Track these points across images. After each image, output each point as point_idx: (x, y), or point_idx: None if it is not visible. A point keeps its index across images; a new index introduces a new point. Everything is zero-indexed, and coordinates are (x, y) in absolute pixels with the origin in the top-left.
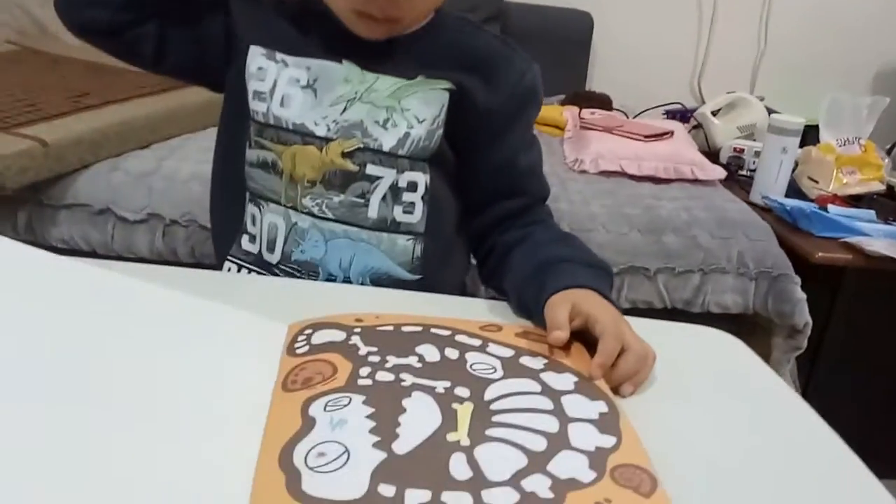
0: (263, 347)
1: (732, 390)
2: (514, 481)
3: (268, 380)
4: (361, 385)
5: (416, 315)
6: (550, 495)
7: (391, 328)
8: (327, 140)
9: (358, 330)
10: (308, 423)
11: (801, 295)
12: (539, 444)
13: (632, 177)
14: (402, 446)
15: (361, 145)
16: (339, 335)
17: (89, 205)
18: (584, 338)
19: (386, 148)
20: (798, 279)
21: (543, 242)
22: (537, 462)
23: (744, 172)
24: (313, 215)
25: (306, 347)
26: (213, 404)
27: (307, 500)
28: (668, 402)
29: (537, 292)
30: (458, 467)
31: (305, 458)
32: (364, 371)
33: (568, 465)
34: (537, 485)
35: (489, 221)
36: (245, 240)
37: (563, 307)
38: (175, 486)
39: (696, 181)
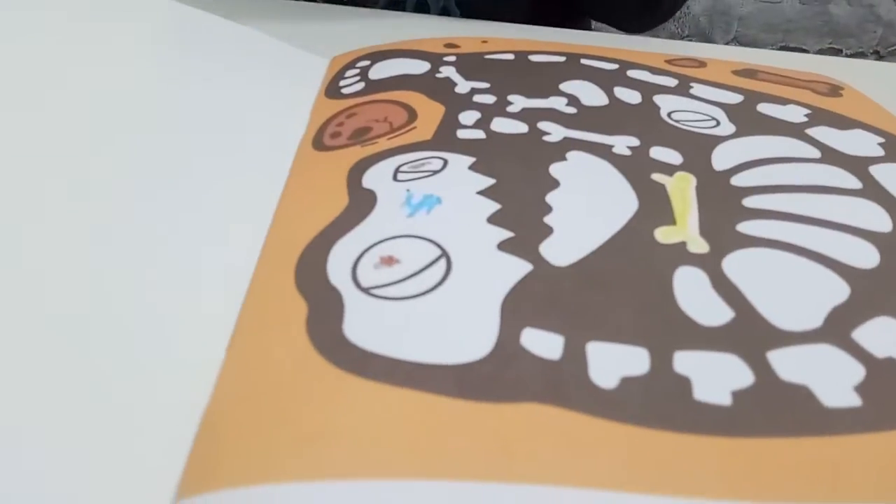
0: (285, 89)
1: None
2: (833, 330)
3: (287, 138)
4: (465, 139)
5: (548, 41)
6: None
7: (511, 56)
8: None
9: (451, 58)
10: (361, 203)
11: None
12: (864, 254)
13: None
14: (560, 251)
15: None
16: (417, 65)
17: None
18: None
19: None
20: None
21: None
22: (870, 291)
23: None
24: None
25: (360, 85)
26: (187, 186)
27: (353, 359)
28: None
29: None
30: (697, 299)
31: (354, 269)
32: (469, 117)
33: None
34: (883, 339)
35: None
36: None
37: None
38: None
39: None
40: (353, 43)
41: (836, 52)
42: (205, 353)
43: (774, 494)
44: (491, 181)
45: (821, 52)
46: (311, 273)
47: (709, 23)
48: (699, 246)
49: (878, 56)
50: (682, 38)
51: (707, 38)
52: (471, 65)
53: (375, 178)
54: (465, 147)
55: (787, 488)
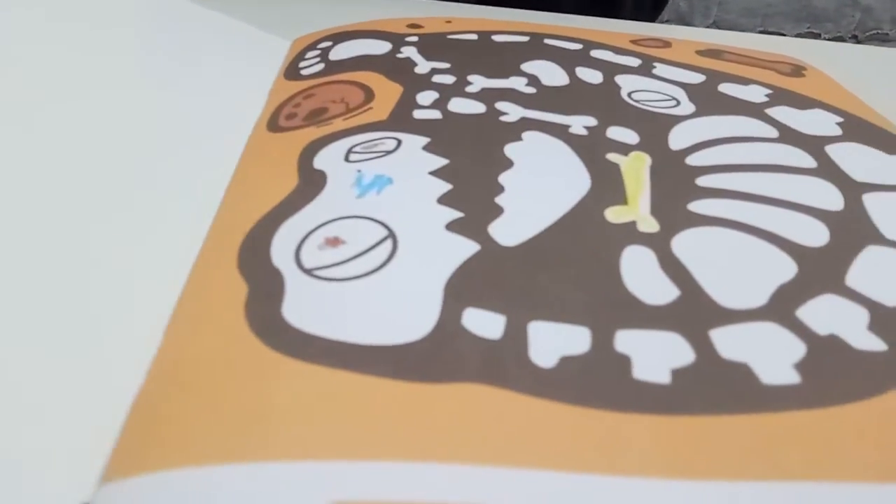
0: (246, 70)
1: None
2: (777, 308)
3: (243, 120)
4: (421, 120)
5: (513, 21)
6: (869, 340)
7: (474, 36)
8: None
9: (413, 38)
10: (310, 183)
11: None
12: (813, 232)
13: None
14: (509, 231)
15: None
16: (379, 46)
17: None
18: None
19: None
20: None
21: None
22: (818, 269)
23: None
24: None
25: (319, 66)
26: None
27: (290, 341)
28: None
29: None
30: (644, 278)
31: (298, 250)
32: (426, 97)
33: (887, 273)
34: (827, 316)
35: None
36: None
37: None
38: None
39: None
40: (319, 24)
41: (815, 37)
42: (143, 336)
43: (712, 472)
44: (444, 161)
45: (799, 36)
46: (253, 255)
47: (689, 7)
48: (649, 225)
49: (857, 41)
50: (662, 23)
51: (686, 23)
52: (433, 45)
53: (327, 158)
54: (420, 127)
55: (724, 466)
